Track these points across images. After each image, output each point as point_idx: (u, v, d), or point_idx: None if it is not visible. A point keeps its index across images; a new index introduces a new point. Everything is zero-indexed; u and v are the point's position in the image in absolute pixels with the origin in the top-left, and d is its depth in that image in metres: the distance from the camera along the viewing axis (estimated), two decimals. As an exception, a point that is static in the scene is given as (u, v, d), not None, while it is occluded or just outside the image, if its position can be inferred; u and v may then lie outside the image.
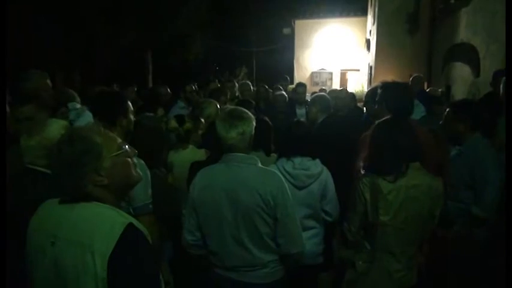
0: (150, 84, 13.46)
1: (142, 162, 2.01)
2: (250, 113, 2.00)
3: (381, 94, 2.40)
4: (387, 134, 1.94)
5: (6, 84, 2.28)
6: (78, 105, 3.28)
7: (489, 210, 2.60)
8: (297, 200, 2.24)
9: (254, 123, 1.98)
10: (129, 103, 2.28)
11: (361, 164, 2.07)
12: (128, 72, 12.47)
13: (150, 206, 2.06)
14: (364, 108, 4.47)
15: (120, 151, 1.35)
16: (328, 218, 2.53)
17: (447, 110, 2.82)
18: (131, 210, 1.98)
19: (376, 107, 2.46)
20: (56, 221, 1.27)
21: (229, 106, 3.76)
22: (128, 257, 1.19)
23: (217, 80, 6.40)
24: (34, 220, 1.36)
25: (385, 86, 2.42)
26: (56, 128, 1.94)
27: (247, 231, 1.91)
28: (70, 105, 3.20)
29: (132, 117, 2.26)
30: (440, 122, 2.87)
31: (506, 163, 2.30)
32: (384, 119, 2.03)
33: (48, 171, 1.80)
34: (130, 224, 1.24)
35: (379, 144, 1.95)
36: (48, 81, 2.93)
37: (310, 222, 2.48)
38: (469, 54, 6.51)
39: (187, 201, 2.05)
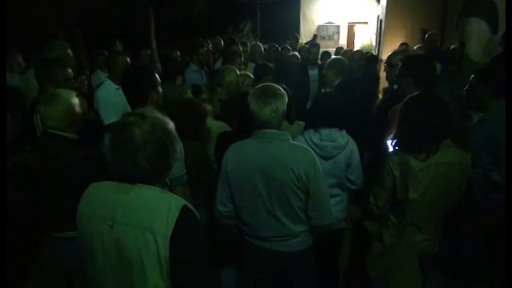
0: (154, 41, 13.13)
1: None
2: (282, 90, 2.01)
3: (406, 69, 2.37)
4: (420, 112, 1.92)
5: (5, 81, 2.43)
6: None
7: None
8: (323, 170, 2.28)
9: (286, 100, 1.99)
10: (157, 76, 2.27)
11: (390, 140, 2.08)
12: (129, 29, 12.11)
13: (185, 177, 2.12)
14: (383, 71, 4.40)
15: None
16: (352, 186, 2.60)
17: (471, 77, 2.79)
18: (167, 182, 2.06)
19: (401, 81, 2.43)
20: (112, 204, 1.33)
21: (247, 73, 3.72)
22: (186, 235, 1.28)
23: (238, 43, 6.22)
24: (84, 204, 1.41)
25: (409, 60, 2.38)
26: (69, 94, 2.25)
27: (281, 205, 1.99)
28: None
29: (160, 90, 2.26)
30: (465, 88, 2.85)
31: (506, 163, 2.27)
32: (415, 94, 2.01)
33: (69, 135, 2.20)
34: (185, 206, 1.32)
35: (412, 122, 1.94)
36: (69, 51, 2.95)
37: (335, 191, 2.55)
38: (487, 10, 6.27)
39: (220, 174, 2.11)
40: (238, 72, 3.22)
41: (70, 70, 2.79)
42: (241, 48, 5.51)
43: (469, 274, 2.86)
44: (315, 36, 13.40)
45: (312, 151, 2.08)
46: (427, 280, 2.31)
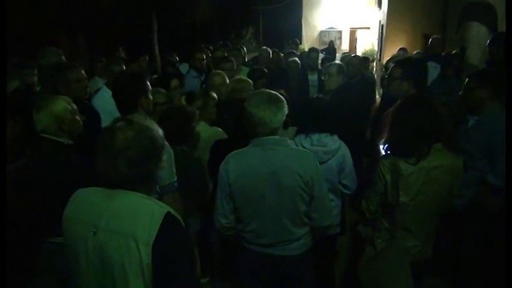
0: (156, 47, 13.23)
1: (166, 143, 2.06)
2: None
3: (410, 71, 2.39)
4: (411, 115, 1.91)
5: (5, 80, 2.46)
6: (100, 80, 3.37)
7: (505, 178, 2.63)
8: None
9: None
10: (148, 83, 2.29)
11: (382, 144, 2.08)
12: (132, 35, 12.20)
13: (176, 184, 2.11)
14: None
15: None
16: (346, 191, 2.59)
17: (466, 80, 2.78)
18: (158, 189, 2.05)
19: (400, 84, 2.45)
20: (96, 211, 1.33)
21: (241, 77, 3.73)
22: (169, 243, 1.26)
23: (222, 49, 6.27)
24: (70, 209, 1.41)
25: (412, 62, 2.42)
26: (62, 101, 2.28)
27: (287, 211, 1.98)
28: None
29: (151, 96, 2.28)
30: (460, 92, 2.83)
31: (506, 163, 2.26)
32: (406, 98, 2.01)
33: (63, 140, 2.25)
34: (168, 213, 1.30)
35: (402, 126, 1.93)
36: (63, 57, 2.98)
37: (329, 196, 2.54)
38: (486, 14, 6.26)
39: (219, 186, 2.04)
40: (225, 75, 3.26)
41: (83, 71, 2.84)
42: (226, 54, 5.52)
43: (467, 277, 2.83)
44: (331, 42, 13.35)
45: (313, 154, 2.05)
46: (422, 285, 2.28)
